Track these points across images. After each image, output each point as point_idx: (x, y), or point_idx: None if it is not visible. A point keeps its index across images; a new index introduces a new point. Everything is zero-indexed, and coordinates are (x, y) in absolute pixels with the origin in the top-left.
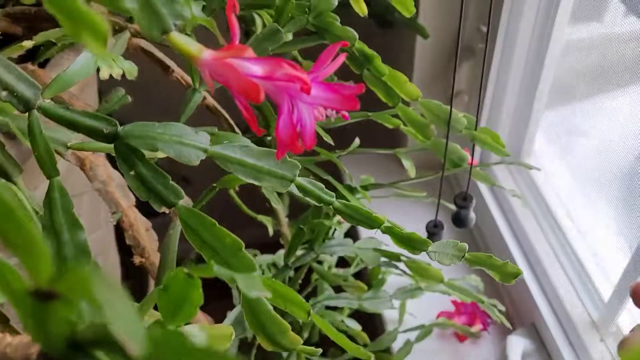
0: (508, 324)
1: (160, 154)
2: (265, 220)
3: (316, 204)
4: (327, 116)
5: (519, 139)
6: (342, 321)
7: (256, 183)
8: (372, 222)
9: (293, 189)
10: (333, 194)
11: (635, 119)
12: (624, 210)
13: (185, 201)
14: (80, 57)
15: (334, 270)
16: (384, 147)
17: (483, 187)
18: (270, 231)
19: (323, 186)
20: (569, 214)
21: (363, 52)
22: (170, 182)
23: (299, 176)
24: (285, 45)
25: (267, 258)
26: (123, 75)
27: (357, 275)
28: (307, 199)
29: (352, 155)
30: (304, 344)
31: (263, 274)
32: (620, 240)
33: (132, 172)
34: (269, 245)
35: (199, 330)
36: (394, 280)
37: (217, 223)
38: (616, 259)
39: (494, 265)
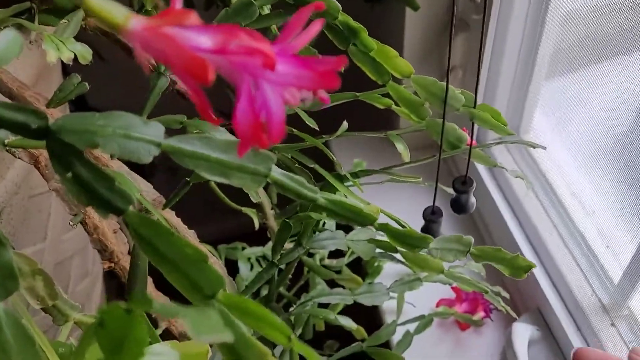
0: (514, 314)
1: None
2: (251, 212)
3: (297, 200)
4: (301, 99)
5: (517, 114)
6: (336, 318)
7: (224, 181)
8: (363, 219)
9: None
10: (316, 189)
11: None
12: (629, 185)
13: (158, 200)
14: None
15: (327, 261)
16: (375, 130)
17: (481, 169)
18: (256, 224)
19: (304, 180)
20: (573, 193)
21: (347, 25)
22: (117, 184)
23: (276, 167)
24: (260, 20)
25: (256, 250)
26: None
27: (352, 265)
28: (287, 194)
29: (341, 140)
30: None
31: (252, 268)
32: (630, 219)
33: (68, 174)
34: (260, 233)
35: (170, 348)
36: (391, 268)
37: (175, 232)
38: (625, 239)
39: (503, 259)
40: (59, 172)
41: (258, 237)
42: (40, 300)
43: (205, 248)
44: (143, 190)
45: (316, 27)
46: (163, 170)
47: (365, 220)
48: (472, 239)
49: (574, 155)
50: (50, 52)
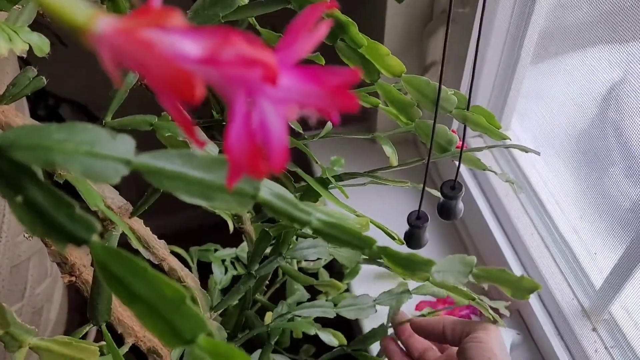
0: (502, 323)
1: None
2: (225, 215)
3: (290, 224)
4: (302, 117)
5: (498, 112)
6: (316, 333)
7: (205, 204)
8: (362, 244)
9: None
10: (309, 210)
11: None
12: (609, 192)
13: (125, 208)
14: None
15: (304, 263)
16: (353, 124)
17: (465, 172)
18: (231, 228)
19: (297, 201)
20: (554, 198)
21: (336, 18)
22: (77, 210)
23: (266, 182)
24: (240, 11)
25: (230, 252)
26: None
27: (330, 265)
28: (278, 218)
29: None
30: (273, 350)
31: (227, 271)
32: (613, 226)
33: (18, 199)
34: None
35: None
36: (368, 267)
37: (149, 268)
38: (608, 245)
39: (508, 280)
40: (6, 197)
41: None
42: None
43: (177, 251)
44: (108, 198)
45: (324, 29)
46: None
47: (364, 244)
48: (475, 259)
49: (553, 162)
50: (1, 44)
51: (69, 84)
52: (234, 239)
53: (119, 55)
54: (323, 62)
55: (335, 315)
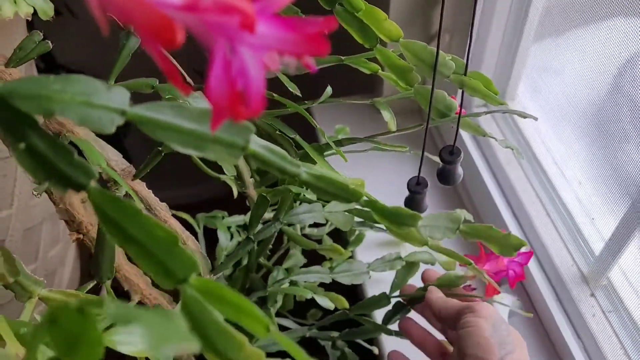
0: (498, 287)
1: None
2: (229, 180)
3: (280, 176)
4: (283, 65)
5: (503, 81)
6: (312, 297)
7: (197, 154)
8: (350, 196)
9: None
10: (299, 163)
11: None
12: (611, 158)
13: (128, 170)
14: None
15: (308, 230)
16: (359, 94)
17: (467, 138)
18: (235, 193)
19: (286, 154)
20: (557, 164)
21: None
22: (76, 157)
23: (256, 138)
24: None
25: (237, 219)
26: None
27: (334, 233)
28: (268, 170)
29: (323, 106)
30: (277, 312)
31: (232, 237)
32: (613, 192)
33: (21, 146)
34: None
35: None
36: (373, 236)
37: (143, 211)
38: (608, 211)
39: (494, 237)
40: (10, 144)
41: (237, 201)
42: (1, 278)
43: (182, 216)
44: (111, 160)
45: None
46: (137, 131)
47: (352, 197)
48: (462, 216)
49: (555, 125)
50: (6, 6)
51: (79, 55)
52: (243, 211)
53: (105, 2)
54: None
55: (331, 280)
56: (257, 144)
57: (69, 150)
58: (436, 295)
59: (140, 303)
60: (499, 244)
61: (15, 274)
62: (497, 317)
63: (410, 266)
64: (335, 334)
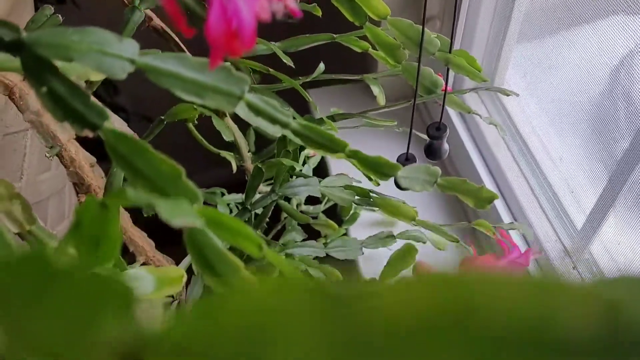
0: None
1: (95, 76)
2: (228, 156)
3: (270, 125)
4: (271, 12)
5: (491, 69)
6: (307, 270)
7: (198, 100)
8: (335, 146)
9: (243, 108)
10: (289, 113)
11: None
12: (593, 138)
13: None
14: None
15: (303, 207)
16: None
17: (454, 117)
18: (234, 167)
19: (278, 104)
20: (541, 143)
21: None
22: (92, 99)
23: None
24: None
25: (236, 197)
26: None
27: (329, 212)
28: (260, 119)
29: (319, 90)
30: None
31: (231, 212)
32: (593, 168)
33: (43, 89)
34: (239, 183)
35: (146, 272)
36: (366, 216)
37: (150, 148)
38: (589, 186)
39: (468, 190)
40: (34, 87)
41: (237, 186)
42: (18, 225)
43: None
44: (117, 128)
45: None
46: (137, 120)
47: (337, 146)
48: (439, 170)
49: (543, 109)
50: None
51: None
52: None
53: None
54: (320, 13)
55: (325, 255)
56: (252, 95)
57: (85, 94)
58: None
59: (144, 265)
60: (473, 196)
61: (32, 222)
62: None
63: (404, 255)
64: None
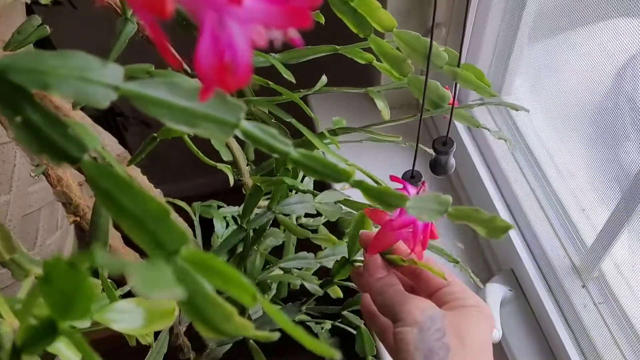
0: (480, 284)
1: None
2: (225, 168)
3: (270, 153)
4: (269, 40)
5: (499, 75)
6: (302, 284)
7: (189, 131)
8: (338, 176)
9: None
10: (289, 142)
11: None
12: (603, 150)
13: (123, 155)
14: None
15: (303, 220)
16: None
17: (461, 130)
18: (231, 181)
19: (276, 132)
20: (551, 157)
21: None
22: (70, 130)
23: (247, 119)
24: None
25: (233, 210)
26: None
27: (331, 223)
28: (259, 147)
29: (319, 97)
30: (272, 300)
31: (228, 226)
32: (605, 184)
33: (17, 119)
34: (237, 191)
35: (135, 305)
36: None
37: (136, 185)
38: (600, 202)
39: (481, 219)
40: (7, 117)
41: (235, 195)
42: None
43: (179, 204)
44: (107, 145)
45: None
46: (135, 124)
47: (340, 176)
48: (450, 199)
49: (550, 119)
50: None
51: (77, 46)
52: (240, 203)
53: None
54: (322, 20)
55: (318, 266)
56: (248, 124)
57: (63, 124)
58: (375, 284)
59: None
60: (486, 226)
61: (12, 251)
62: (425, 319)
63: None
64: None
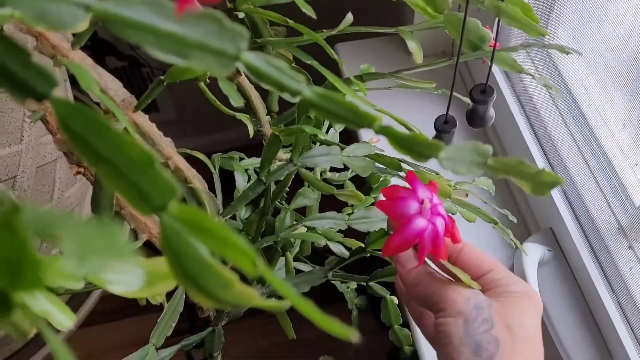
0: (521, 248)
1: None
2: (244, 118)
3: (278, 92)
4: None
5: (543, 21)
6: (327, 244)
7: (180, 62)
8: (361, 120)
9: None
10: (302, 77)
11: None
12: None
13: (128, 101)
14: None
15: (329, 174)
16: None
17: (500, 77)
18: (251, 132)
19: (286, 65)
20: (597, 109)
21: None
22: (34, 60)
23: (251, 51)
24: None
25: (255, 161)
26: None
27: (357, 178)
28: (264, 85)
29: (346, 46)
30: (295, 258)
31: (250, 179)
32: None
33: None
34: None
35: (135, 267)
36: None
37: (115, 127)
38: None
39: (526, 173)
40: None
41: (258, 150)
42: None
43: (197, 156)
44: (110, 89)
45: None
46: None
47: (363, 120)
48: (491, 148)
49: (595, 70)
50: None
51: None
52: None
53: None
54: None
55: (346, 227)
56: (252, 55)
57: (24, 52)
58: (408, 276)
59: (147, 243)
60: (531, 180)
61: None
62: (471, 308)
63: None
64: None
